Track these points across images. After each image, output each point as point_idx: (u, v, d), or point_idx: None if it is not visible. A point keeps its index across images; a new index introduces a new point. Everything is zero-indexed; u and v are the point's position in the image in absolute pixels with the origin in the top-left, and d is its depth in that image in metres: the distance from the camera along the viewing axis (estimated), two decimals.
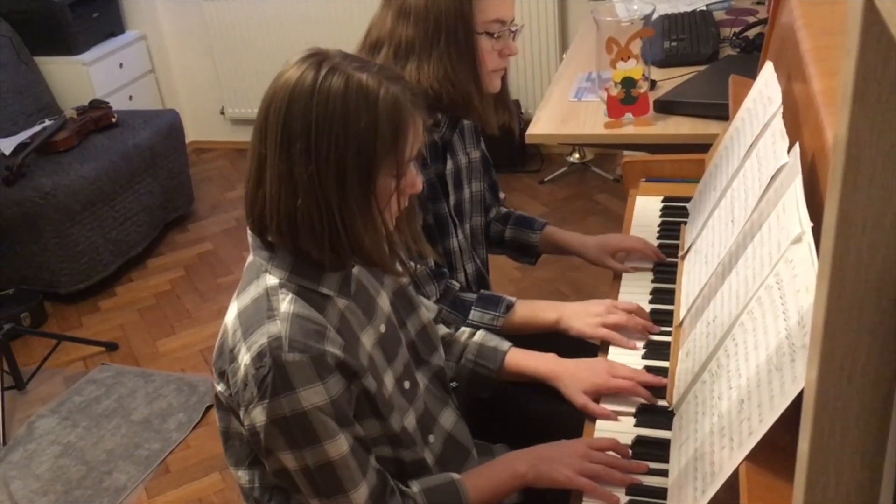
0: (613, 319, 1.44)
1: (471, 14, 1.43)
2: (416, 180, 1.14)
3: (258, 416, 1.05)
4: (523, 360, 1.39)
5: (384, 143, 1.04)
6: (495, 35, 1.47)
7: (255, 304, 1.08)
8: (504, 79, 1.57)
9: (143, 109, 3.93)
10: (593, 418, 1.31)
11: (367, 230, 1.07)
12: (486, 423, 1.46)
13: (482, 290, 1.59)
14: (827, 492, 0.50)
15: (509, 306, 1.51)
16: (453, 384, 1.42)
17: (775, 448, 0.87)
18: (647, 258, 1.64)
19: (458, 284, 1.55)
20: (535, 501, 1.29)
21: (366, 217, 1.06)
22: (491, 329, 1.49)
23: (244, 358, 1.05)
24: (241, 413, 1.08)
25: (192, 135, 4.43)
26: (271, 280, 1.09)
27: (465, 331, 1.44)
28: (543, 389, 1.39)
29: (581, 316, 1.47)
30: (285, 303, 1.07)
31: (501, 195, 1.84)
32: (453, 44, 1.43)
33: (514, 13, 1.52)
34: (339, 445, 1.07)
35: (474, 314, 1.50)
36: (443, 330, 1.43)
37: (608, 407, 1.31)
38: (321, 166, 1.03)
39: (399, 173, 1.08)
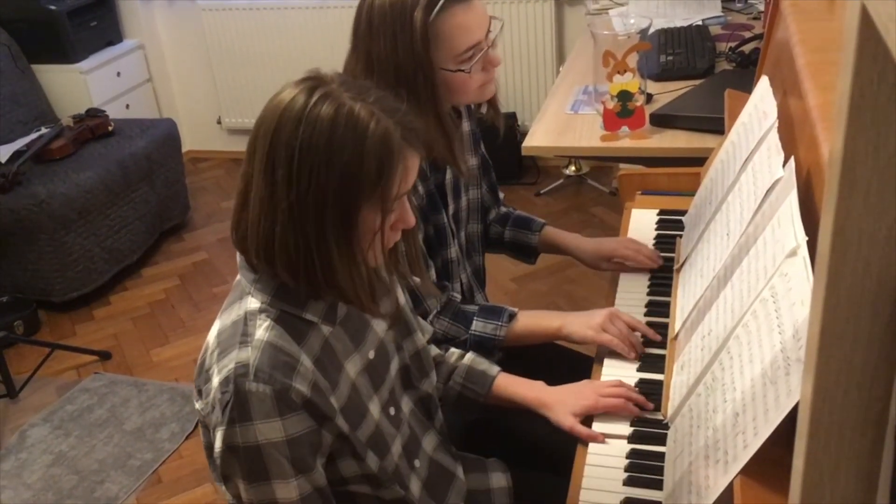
0: (614, 331, 1.43)
1: (428, 60, 1.39)
2: (407, 216, 1.09)
3: (218, 439, 1.03)
4: (511, 386, 1.38)
5: (368, 179, 1.00)
6: (472, 65, 1.43)
7: (233, 326, 1.06)
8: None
9: (139, 118, 3.93)
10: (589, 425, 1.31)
11: (343, 267, 1.03)
12: (476, 439, 1.46)
13: (483, 302, 1.59)
14: None
15: (512, 316, 1.50)
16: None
17: (770, 462, 0.87)
18: (641, 265, 1.64)
19: (458, 296, 1.54)
20: (528, 487, 1.29)
21: (343, 253, 1.02)
22: (493, 339, 1.48)
23: (215, 381, 1.03)
24: (211, 433, 1.07)
25: (188, 144, 4.43)
26: (252, 304, 1.06)
27: (454, 352, 1.42)
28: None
29: (584, 323, 1.46)
30: (261, 329, 1.04)
31: (500, 195, 1.84)
32: (413, 94, 1.38)
33: (486, 20, 1.44)
34: (289, 490, 1.03)
35: (476, 324, 1.49)
36: (433, 351, 1.41)
37: (600, 425, 1.31)
38: (301, 196, 0.99)
39: (385, 209, 1.03)
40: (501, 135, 1.65)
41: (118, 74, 4.08)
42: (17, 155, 3.31)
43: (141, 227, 3.54)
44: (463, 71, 1.43)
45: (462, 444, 1.39)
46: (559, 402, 1.33)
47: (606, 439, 1.28)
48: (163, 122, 3.84)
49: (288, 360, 1.03)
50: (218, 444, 1.03)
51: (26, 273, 3.24)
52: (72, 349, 3.02)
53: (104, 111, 3.68)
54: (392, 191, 1.03)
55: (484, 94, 1.52)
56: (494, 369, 1.40)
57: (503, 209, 1.83)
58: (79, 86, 3.88)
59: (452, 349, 1.44)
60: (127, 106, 4.13)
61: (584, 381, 1.38)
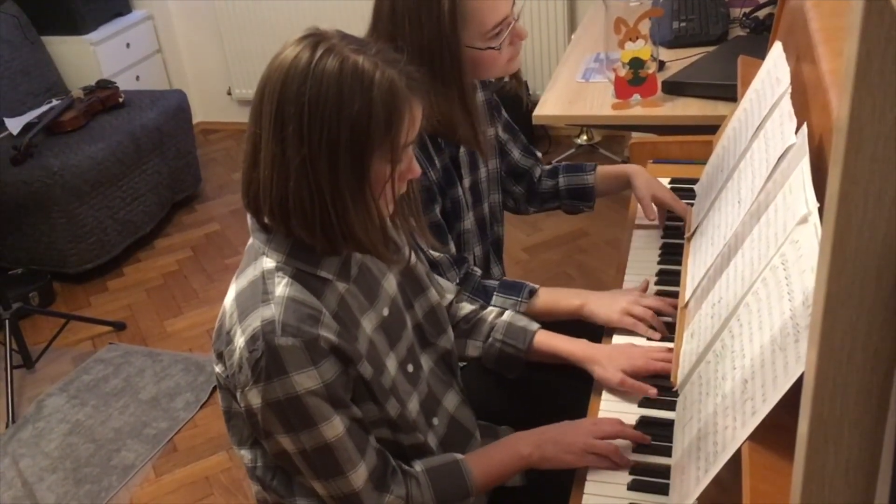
0: (639, 312, 1.42)
1: (456, 39, 1.37)
2: (413, 165, 1.12)
3: (254, 398, 1.05)
4: (555, 341, 1.38)
5: (378, 128, 1.02)
6: (501, 40, 1.42)
7: (252, 286, 1.08)
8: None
9: (150, 90, 3.93)
10: (599, 393, 1.32)
11: (359, 217, 1.05)
12: (492, 406, 1.47)
13: (504, 277, 1.59)
14: (826, 469, 0.50)
15: (532, 292, 1.49)
16: (462, 364, 1.42)
17: (778, 428, 0.87)
18: (681, 214, 1.64)
19: (479, 271, 1.53)
20: (539, 482, 1.30)
21: (358, 203, 1.04)
22: None
23: (239, 341, 1.05)
24: (238, 395, 1.09)
25: (199, 115, 4.43)
26: (268, 263, 1.09)
27: (492, 310, 1.43)
28: (559, 372, 1.38)
29: (607, 304, 1.45)
30: (280, 286, 1.06)
31: (538, 153, 1.81)
32: (438, 75, 1.37)
33: None
34: (335, 427, 1.07)
35: (497, 299, 1.49)
36: (467, 308, 1.41)
37: (612, 398, 1.31)
38: (313, 150, 1.01)
39: (394, 158, 1.05)
40: (525, 106, 1.64)
41: (127, 46, 4.07)
42: (28, 127, 3.32)
43: (153, 199, 3.56)
44: (493, 48, 1.42)
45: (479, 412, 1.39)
46: (608, 357, 1.33)
47: (616, 410, 1.29)
48: (173, 93, 3.83)
49: (311, 311, 1.06)
50: (255, 402, 1.06)
51: (40, 245, 3.27)
52: (87, 320, 3.05)
53: (114, 83, 3.68)
54: (401, 138, 1.05)
55: (511, 68, 1.51)
56: (534, 325, 1.40)
57: (547, 166, 1.80)
58: (88, 57, 3.87)
59: (491, 307, 1.44)
60: (137, 77, 4.13)
61: (631, 343, 1.38)
